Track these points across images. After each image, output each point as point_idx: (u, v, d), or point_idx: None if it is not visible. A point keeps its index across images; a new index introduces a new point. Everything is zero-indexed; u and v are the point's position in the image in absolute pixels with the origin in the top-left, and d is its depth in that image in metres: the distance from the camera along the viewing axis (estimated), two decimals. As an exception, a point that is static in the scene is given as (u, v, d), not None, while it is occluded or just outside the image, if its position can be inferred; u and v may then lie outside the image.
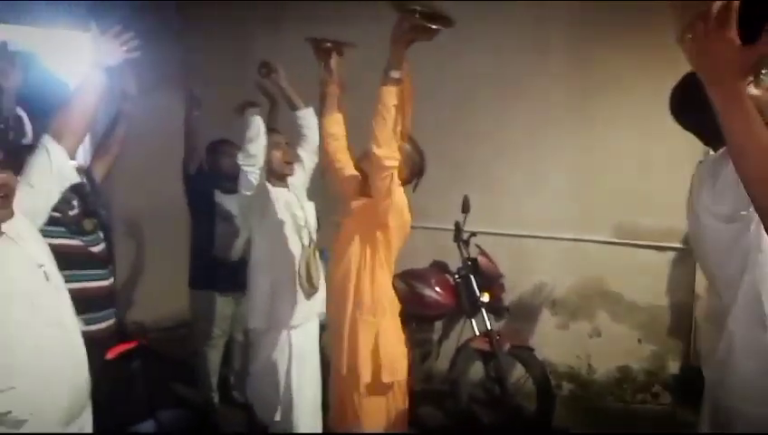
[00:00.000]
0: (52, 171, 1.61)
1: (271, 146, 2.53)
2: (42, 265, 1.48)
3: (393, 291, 2.15)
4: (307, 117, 2.72)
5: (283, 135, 2.72)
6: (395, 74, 1.78)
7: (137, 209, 4.52)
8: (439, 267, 3.46)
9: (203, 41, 4.41)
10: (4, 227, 1.42)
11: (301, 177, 2.81)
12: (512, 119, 3.80)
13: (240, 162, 2.55)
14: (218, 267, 3.25)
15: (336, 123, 2.31)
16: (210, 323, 3.35)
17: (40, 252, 1.51)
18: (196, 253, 3.36)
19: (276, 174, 2.66)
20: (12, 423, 1.34)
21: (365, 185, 2.12)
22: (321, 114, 2.34)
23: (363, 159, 2.15)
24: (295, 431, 2.60)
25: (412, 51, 1.77)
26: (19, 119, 6.00)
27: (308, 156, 2.81)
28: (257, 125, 2.45)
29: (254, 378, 2.66)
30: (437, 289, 3.32)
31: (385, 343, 2.09)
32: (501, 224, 3.78)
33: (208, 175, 3.28)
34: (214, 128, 3.26)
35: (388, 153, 1.84)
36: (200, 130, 3.17)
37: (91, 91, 1.72)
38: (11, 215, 1.41)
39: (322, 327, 2.78)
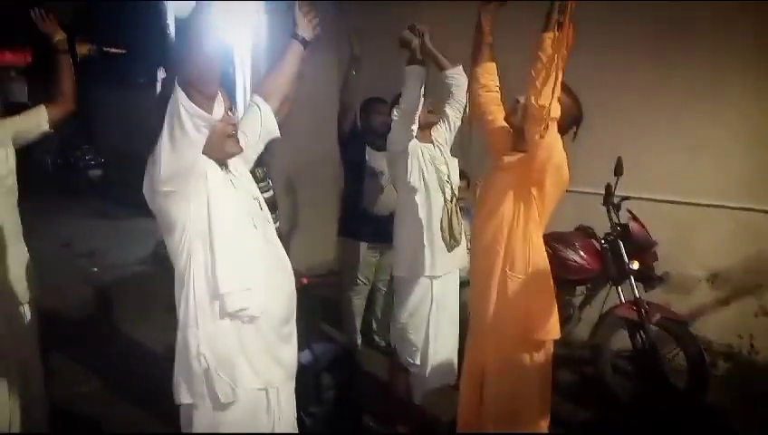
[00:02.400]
0: (262, 125, 1.87)
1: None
2: (256, 198, 1.77)
3: (545, 251, 2.11)
4: (456, 75, 2.73)
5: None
6: (556, 19, 1.72)
7: (292, 164, 4.90)
8: (585, 232, 3.35)
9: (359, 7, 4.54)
10: (232, 166, 1.70)
11: (446, 134, 2.87)
12: (673, 75, 3.47)
13: (394, 117, 2.68)
14: (365, 220, 3.47)
15: (489, 73, 2.28)
16: (356, 270, 3.61)
17: (254, 189, 1.81)
18: (346, 205, 3.61)
19: (422, 129, 2.74)
20: (247, 319, 1.64)
21: (518, 139, 2.09)
22: (473, 64, 2.30)
23: (514, 112, 2.13)
24: (431, 375, 2.79)
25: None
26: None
27: (454, 114, 2.85)
28: (413, 86, 2.52)
29: (397, 323, 2.84)
30: (582, 253, 3.22)
31: (539, 301, 2.08)
32: (656, 189, 3.52)
33: (361, 132, 3.46)
34: (367, 86, 3.41)
35: (547, 104, 1.78)
36: (357, 90, 3.33)
37: (295, 59, 1.94)
38: (240, 150, 1.71)
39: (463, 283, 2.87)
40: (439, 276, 2.76)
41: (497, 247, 2.07)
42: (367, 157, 3.44)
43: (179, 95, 1.42)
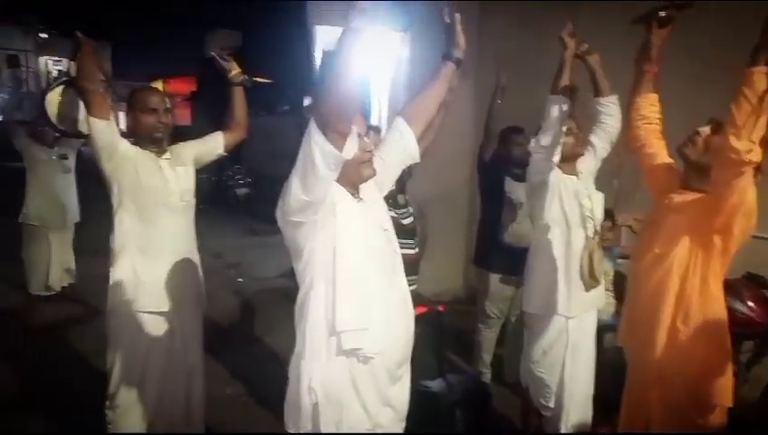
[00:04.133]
0: (402, 150, 1.83)
1: (564, 132, 2.51)
2: (385, 229, 1.73)
3: (725, 306, 1.91)
4: (611, 104, 2.59)
5: (575, 121, 2.65)
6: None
7: (424, 191, 4.94)
8: (755, 280, 2.99)
9: (501, 26, 4.50)
10: (362, 191, 1.69)
11: (591, 165, 2.72)
12: None
13: (532, 149, 2.60)
14: (501, 251, 3.38)
15: (651, 104, 2.14)
16: (489, 302, 3.52)
17: (385, 217, 1.76)
18: (481, 235, 3.55)
19: (566, 160, 2.62)
20: (362, 359, 1.59)
21: (693, 177, 1.92)
22: (634, 93, 2.18)
23: (692, 144, 1.95)
24: (566, 420, 2.63)
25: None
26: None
27: (601, 144, 2.69)
28: (558, 115, 2.44)
29: (529, 361, 2.72)
30: (751, 304, 2.86)
31: (713, 361, 1.88)
32: None
33: (501, 162, 3.41)
34: (508, 114, 3.36)
35: (748, 146, 1.60)
36: (500, 118, 3.30)
37: (446, 81, 1.86)
38: (374, 174, 1.68)
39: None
40: (575, 316, 2.61)
41: (666, 297, 1.90)
42: (506, 187, 3.38)
43: (313, 131, 1.42)
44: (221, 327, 4.55)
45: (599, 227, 2.62)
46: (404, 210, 2.86)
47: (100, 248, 2.61)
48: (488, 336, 3.59)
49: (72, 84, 2.63)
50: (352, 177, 1.63)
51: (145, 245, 2.49)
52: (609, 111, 2.61)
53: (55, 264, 5.02)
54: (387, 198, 2.46)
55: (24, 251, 4.98)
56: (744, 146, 1.61)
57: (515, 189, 3.34)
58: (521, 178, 3.30)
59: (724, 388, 1.87)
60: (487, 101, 3.37)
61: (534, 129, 2.72)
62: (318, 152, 1.42)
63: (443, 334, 2.97)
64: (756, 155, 1.63)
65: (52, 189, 4.94)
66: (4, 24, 26.21)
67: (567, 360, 2.61)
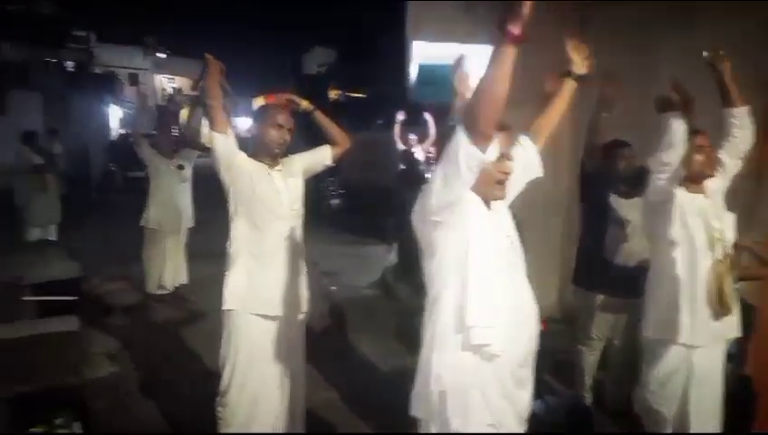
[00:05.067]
0: (527, 165, 1.94)
1: (692, 149, 2.37)
2: (509, 236, 1.81)
3: None
4: (742, 116, 2.43)
5: (706, 135, 2.50)
6: None
7: (520, 205, 4.85)
8: None
9: (608, 43, 4.37)
10: (493, 203, 1.79)
11: (720, 183, 2.54)
12: None
13: (652, 167, 2.48)
14: (605, 270, 3.22)
15: None
16: (590, 324, 3.37)
17: (509, 225, 1.85)
18: (583, 253, 3.41)
19: (693, 178, 2.48)
20: (486, 355, 1.68)
21: None
22: None
23: None
24: None
25: None
26: (425, 122, 7.17)
27: (732, 160, 2.52)
28: (679, 131, 2.32)
29: (645, 390, 2.57)
30: None
31: None
32: None
33: (605, 176, 3.28)
34: (615, 128, 3.24)
35: None
36: (605, 130, 3.18)
37: (569, 98, 2.01)
38: (503, 197, 1.80)
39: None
40: (700, 346, 2.43)
41: None
42: (611, 203, 3.24)
43: (459, 133, 1.53)
44: (315, 333, 4.70)
45: (730, 250, 2.44)
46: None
47: (211, 252, 2.79)
48: (589, 359, 3.43)
49: (198, 102, 2.86)
50: (485, 192, 1.74)
51: (257, 251, 2.64)
52: (742, 123, 2.44)
53: (169, 265, 5.46)
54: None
55: (143, 252, 5.48)
56: None
57: (621, 206, 3.19)
58: (627, 195, 3.18)
59: None
60: (585, 111, 3.26)
61: (639, 143, 2.61)
62: (462, 154, 1.53)
63: (545, 355, 2.88)
64: None
65: (170, 196, 5.41)
66: (127, 45, 28.92)
67: (691, 394, 2.44)
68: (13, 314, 4.92)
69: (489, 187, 1.73)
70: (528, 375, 1.82)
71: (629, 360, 3.24)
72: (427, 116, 7.55)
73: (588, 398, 3.43)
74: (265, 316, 2.64)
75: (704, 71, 2.42)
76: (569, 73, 1.97)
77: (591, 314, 3.34)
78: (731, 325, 2.47)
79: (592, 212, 3.35)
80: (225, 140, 2.56)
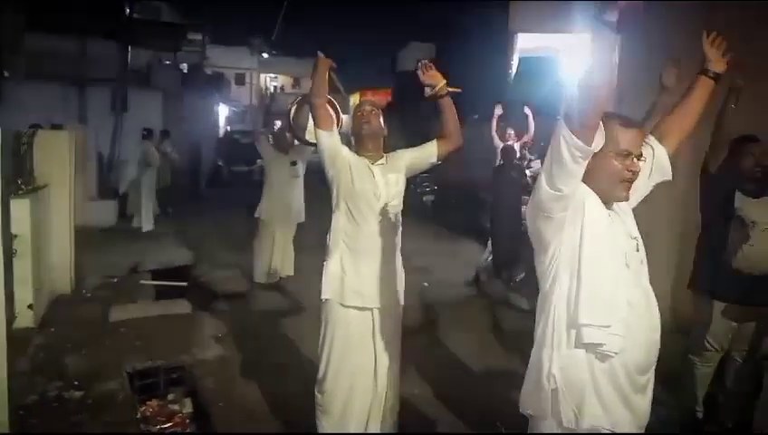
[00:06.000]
0: (653, 167, 1.83)
1: None
2: (635, 238, 1.72)
3: None
4: None
5: None
6: None
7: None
8: None
9: (735, 22, 4.00)
10: (615, 204, 1.72)
11: None
12: None
13: None
14: (727, 276, 2.95)
15: None
16: (707, 332, 3.09)
17: (633, 228, 1.75)
18: (703, 256, 3.14)
19: None
20: (600, 356, 1.62)
21: None
22: None
23: None
24: None
25: None
26: (526, 117, 6.96)
27: None
28: None
29: (766, 408, 2.33)
30: None
31: None
32: None
33: (731, 174, 2.99)
34: (745, 123, 2.95)
35: None
36: (733, 126, 2.91)
37: (704, 96, 1.88)
38: (626, 199, 1.71)
39: None
40: None
41: None
42: (736, 203, 2.95)
43: (561, 126, 1.50)
44: (408, 328, 4.72)
45: None
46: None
47: (319, 246, 2.89)
48: (704, 371, 3.15)
49: (306, 100, 2.97)
50: (607, 190, 1.67)
51: (353, 244, 2.70)
52: None
53: (277, 256, 5.75)
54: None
55: (254, 242, 5.83)
56: None
57: (748, 206, 2.91)
58: (755, 194, 2.92)
59: None
60: (712, 105, 2.99)
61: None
62: (564, 146, 1.50)
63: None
64: None
65: (283, 191, 5.71)
66: (235, 45, 30.68)
67: None
68: (132, 297, 5.42)
69: (612, 185, 1.66)
70: (648, 382, 1.72)
71: (750, 373, 2.98)
72: (527, 110, 7.30)
73: (699, 412, 3.17)
74: (360, 308, 2.68)
75: None
76: (706, 71, 1.84)
77: (708, 323, 3.07)
78: None
79: (715, 213, 3.08)
80: (329, 137, 2.68)
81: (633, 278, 1.66)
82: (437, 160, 2.84)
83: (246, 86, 32.08)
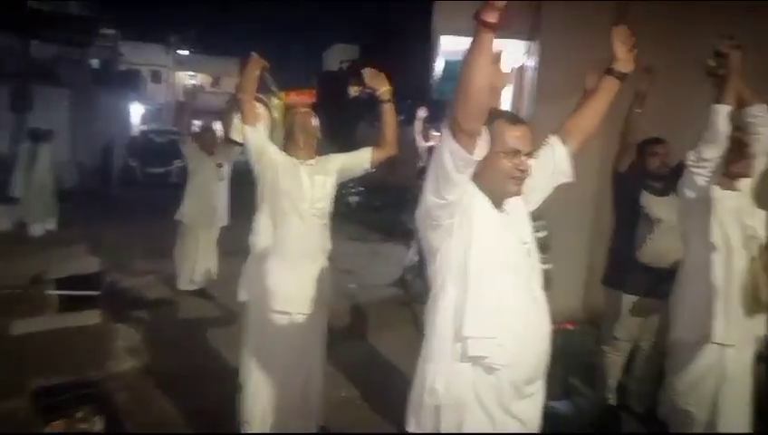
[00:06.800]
0: (555, 167, 1.78)
1: (738, 148, 2.33)
2: (526, 243, 1.67)
3: None
4: (760, 114, 2.38)
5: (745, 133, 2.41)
6: None
7: (547, 205, 4.75)
8: None
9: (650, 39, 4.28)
10: (507, 203, 1.65)
11: (749, 181, 2.49)
12: None
13: (691, 163, 2.43)
14: (635, 270, 3.14)
15: None
16: (618, 324, 3.28)
17: (526, 232, 1.71)
18: (615, 252, 3.33)
19: (732, 176, 2.40)
20: (487, 369, 1.55)
21: None
22: None
23: None
24: None
25: None
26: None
27: (759, 158, 2.46)
28: (723, 127, 2.26)
29: (673, 392, 2.52)
30: None
31: None
32: None
33: (638, 174, 3.18)
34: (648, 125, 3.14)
35: None
36: (640, 128, 3.10)
37: (609, 97, 1.83)
38: (519, 193, 1.65)
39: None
40: (732, 345, 2.38)
41: None
42: (643, 201, 3.14)
43: (444, 133, 1.44)
44: (335, 331, 4.67)
45: (763, 247, 2.38)
46: (537, 223, 2.75)
47: (245, 251, 2.80)
48: (615, 360, 3.34)
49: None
50: (497, 188, 1.61)
51: (275, 246, 2.63)
52: (761, 120, 2.39)
53: (201, 261, 5.49)
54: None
55: (176, 248, 5.54)
56: None
57: (654, 204, 3.10)
58: (660, 193, 3.10)
59: None
60: (619, 109, 3.17)
61: (673, 139, 2.54)
62: (447, 155, 1.43)
63: (570, 354, 2.82)
64: None
65: (207, 194, 5.45)
66: (149, 42, 29.30)
67: (722, 394, 2.40)
68: (36, 308, 5.00)
69: (502, 184, 1.59)
70: (537, 388, 1.67)
71: (656, 362, 3.17)
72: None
73: (612, 399, 3.35)
74: (280, 312, 2.61)
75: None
76: (611, 71, 1.77)
77: (619, 315, 3.25)
78: (761, 323, 2.44)
79: (625, 211, 3.27)
80: (255, 132, 2.63)
81: (523, 285, 1.61)
82: (371, 168, 2.82)
83: (163, 84, 30.71)
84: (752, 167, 2.42)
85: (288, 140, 2.73)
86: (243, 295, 2.67)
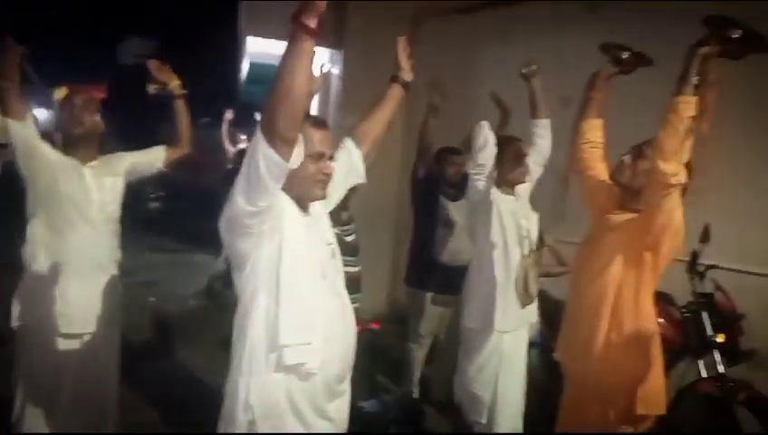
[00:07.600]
0: (349, 170, 1.83)
1: (514, 157, 2.64)
2: (330, 244, 1.70)
3: (655, 318, 2.03)
4: (544, 127, 2.76)
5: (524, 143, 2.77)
6: (692, 83, 1.71)
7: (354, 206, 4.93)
8: (663, 299, 3.20)
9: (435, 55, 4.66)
10: (311, 208, 1.66)
11: (527, 186, 2.85)
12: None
13: (469, 170, 2.70)
14: (434, 270, 3.41)
15: (595, 129, 2.27)
16: (421, 321, 3.52)
17: (329, 233, 1.74)
18: (416, 253, 3.56)
19: (509, 182, 2.72)
20: (303, 375, 1.53)
21: (627, 198, 2.05)
22: (580, 118, 2.31)
23: (620, 171, 2.09)
24: (497, 433, 2.69)
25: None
26: (256, 122, 6.88)
27: (535, 167, 2.84)
28: (485, 135, 2.56)
29: (464, 377, 2.77)
30: (660, 321, 3.07)
31: (645, 373, 1.98)
32: (745, 260, 3.36)
33: (435, 180, 3.45)
34: (445, 134, 3.43)
35: (675, 169, 1.74)
36: (433, 137, 3.36)
37: (396, 103, 1.90)
38: (324, 197, 1.66)
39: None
40: (510, 331, 2.70)
41: (602, 310, 2.00)
42: (440, 206, 3.43)
43: (258, 138, 1.37)
44: (133, 349, 4.24)
45: (534, 246, 2.73)
46: (348, 227, 2.83)
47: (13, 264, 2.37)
48: (419, 355, 3.59)
49: None
50: (303, 193, 1.60)
51: (57, 259, 2.30)
52: (544, 133, 2.76)
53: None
54: (330, 214, 2.43)
55: None
56: (672, 169, 1.74)
57: (449, 208, 3.39)
58: (455, 198, 3.38)
59: (657, 397, 1.98)
60: (415, 118, 3.42)
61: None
62: (262, 161, 1.37)
63: (375, 353, 2.94)
64: (683, 177, 1.77)
65: None
66: None
67: (500, 374, 2.68)
68: None
69: (308, 188, 1.60)
70: (346, 386, 1.71)
71: (453, 352, 3.47)
72: (258, 115, 7.30)
73: (416, 392, 3.59)
74: (65, 335, 2.30)
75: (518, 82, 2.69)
76: (396, 78, 1.87)
77: (422, 312, 3.49)
78: (532, 311, 2.81)
79: (423, 214, 3.51)
80: (23, 128, 2.24)
81: (329, 288, 1.63)
82: (164, 167, 2.63)
83: None
84: (527, 174, 2.77)
85: (65, 138, 2.39)
86: (20, 320, 2.28)
